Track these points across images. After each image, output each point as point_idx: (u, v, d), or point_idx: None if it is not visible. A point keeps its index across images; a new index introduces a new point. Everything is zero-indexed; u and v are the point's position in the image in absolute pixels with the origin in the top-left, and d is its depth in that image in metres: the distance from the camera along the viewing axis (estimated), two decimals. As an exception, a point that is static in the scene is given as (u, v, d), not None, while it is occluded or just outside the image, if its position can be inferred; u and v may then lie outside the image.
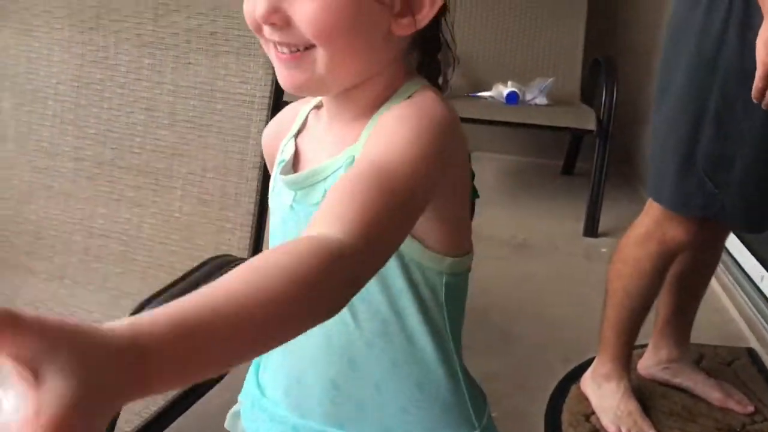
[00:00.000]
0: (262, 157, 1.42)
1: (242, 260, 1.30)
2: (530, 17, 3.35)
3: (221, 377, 1.37)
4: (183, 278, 1.20)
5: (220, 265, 1.27)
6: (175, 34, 1.44)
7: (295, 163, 0.79)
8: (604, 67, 3.04)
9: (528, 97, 3.10)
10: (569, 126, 3.09)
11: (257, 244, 1.43)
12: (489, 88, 3.13)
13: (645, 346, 1.95)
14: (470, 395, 0.80)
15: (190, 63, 1.44)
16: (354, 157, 0.71)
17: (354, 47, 0.69)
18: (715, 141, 1.52)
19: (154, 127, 1.48)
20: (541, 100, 3.09)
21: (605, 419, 1.79)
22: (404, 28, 0.70)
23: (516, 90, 3.08)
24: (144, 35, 1.46)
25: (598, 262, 1.85)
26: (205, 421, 1.78)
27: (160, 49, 1.45)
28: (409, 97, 0.72)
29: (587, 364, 1.90)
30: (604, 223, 2.88)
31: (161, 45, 1.45)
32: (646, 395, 1.88)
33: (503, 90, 3.10)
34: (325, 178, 0.74)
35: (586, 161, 3.15)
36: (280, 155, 0.82)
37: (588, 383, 1.86)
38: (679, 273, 1.80)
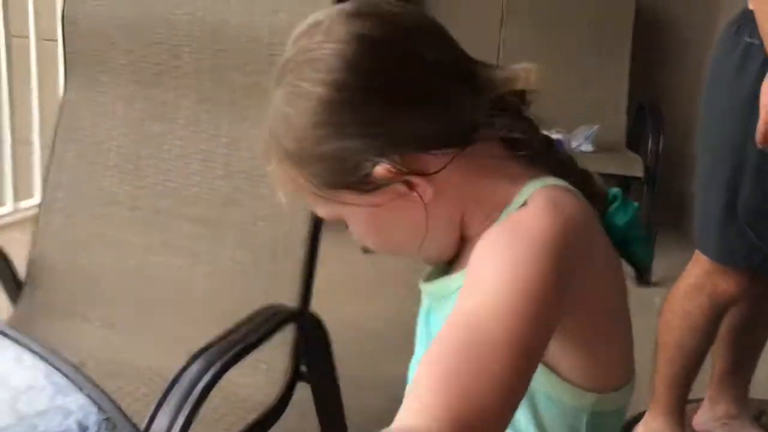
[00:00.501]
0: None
1: (292, 311, 1.32)
2: (574, 65, 3.35)
3: (272, 426, 1.38)
4: (233, 330, 1.22)
5: (270, 316, 1.28)
6: (232, 91, 1.49)
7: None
8: (648, 112, 3.03)
9: (573, 144, 3.09)
10: (616, 173, 3.06)
11: (306, 293, 1.45)
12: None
13: (700, 400, 1.89)
14: None
15: (245, 118, 1.48)
16: None
17: (404, 242, 0.73)
18: (755, 191, 1.50)
19: (210, 177, 1.51)
20: (587, 147, 3.08)
21: None
22: (425, 191, 0.68)
23: (561, 137, 3.08)
24: (203, 91, 1.51)
25: (650, 313, 1.83)
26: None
27: (217, 105, 1.50)
28: (523, 205, 0.67)
29: (639, 417, 1.86)
30: (656, 272, 2.83)
31: (219, 101, 1.50)
32: (701, 451, 1.82)
33: (549, 138, 3.09)
34: (454, 291, 0.70)
35: (635, 209, 3.11)
36: None
37: None
38: (734, 326, 1.75)
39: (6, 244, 1.62)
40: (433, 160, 0.67)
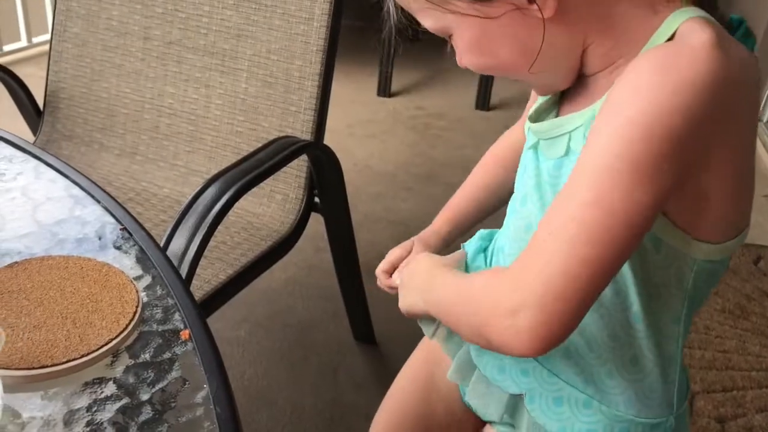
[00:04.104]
0: (325, 40, 1.43)
1: (305, 142, 1.34)
2: None
3: (286, 254, 1.44)
4: (247, 158, 1.24)
5: (283, 146, 1.30)
6: None
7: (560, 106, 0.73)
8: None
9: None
10: None
11: (320, 127, 1.46)
12: None
13: None
14: (679, 380, 0.75)
15: (256, -59, 1.43)
16: (594, 115, 0.63)
17: (511, 61, 0.66)
18: None
19: (220, 7, 1.49)
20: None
21: None
22: (549, 8, 0.61)
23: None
24: None
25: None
26: (267, 294, 1.88)
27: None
28: (670, 39, 0.59)
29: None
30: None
31: None
32: None
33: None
34: (567, 132, 0.68)
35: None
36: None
37: None
38: None
39: (24, 79, 1.62)
40: None
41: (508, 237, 0.80)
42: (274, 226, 1.45)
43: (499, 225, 0.85)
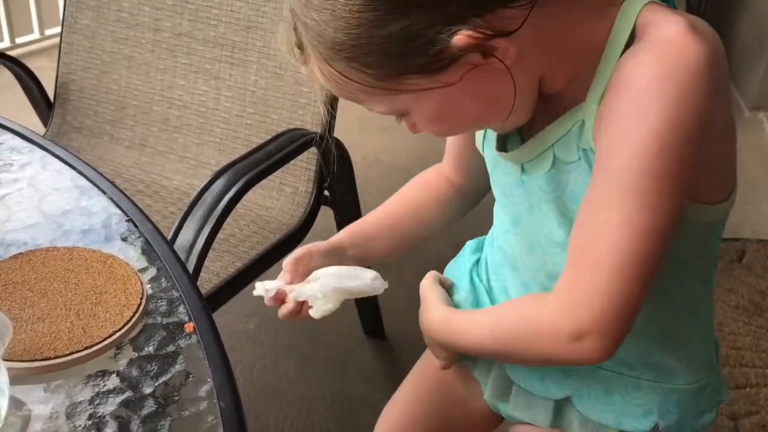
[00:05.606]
0: (336, 31, 1.42)
1: (315, 134, 1.33)
2: None
3: (295, 247, 1.43)
4: (256, 150, 1.24)
5: (293, 138, 1.29)
6: None
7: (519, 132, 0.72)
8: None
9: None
10: None
11: (329, 120, 1.44)
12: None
13: None
14: (714, 338, 0.78)
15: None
16: (584, 121, 0.63)
17: (477, 117, 0.66)
18: None
19: (230, -2, 1.48)
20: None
21: None
22: (507, 54, 0.59)
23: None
24: None
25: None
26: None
27: None
28: (632, 34, 0.60)
29: None
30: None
31: None
32: None
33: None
34: (550, 146, 0.67)
35: None
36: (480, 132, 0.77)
37: None
38: None
39: (35, 72, 1.62)
40: (513, 15, 0.57)
41: (507, 259, 0.79)
42: (283, 219, 1.44)
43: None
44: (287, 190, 1.47)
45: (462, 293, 0.84)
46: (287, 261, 0.80)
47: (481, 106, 0.64)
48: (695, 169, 0.60)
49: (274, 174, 1.30)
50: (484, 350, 0.73)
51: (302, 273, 0.79)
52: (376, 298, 1.66)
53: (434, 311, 0.78)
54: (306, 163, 1.45)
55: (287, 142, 1.27)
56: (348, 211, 1.52)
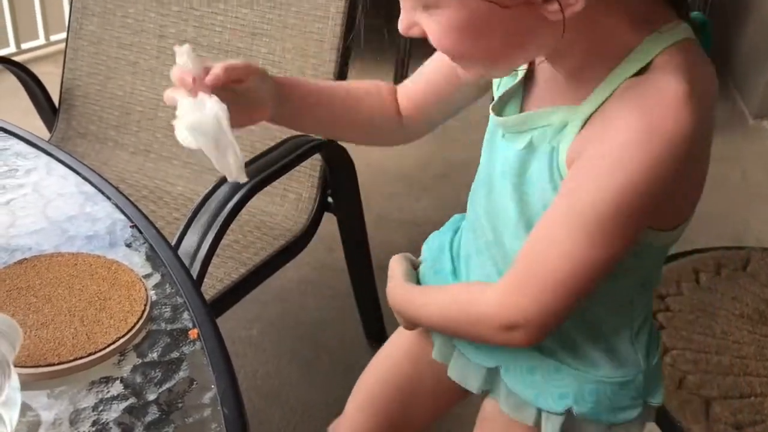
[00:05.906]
0: (340, 38, 1.42)
1: (319, 141, 1.33)
2: None
3: (298, 253, 1.43)
4: (260, 156, 1.24)
5: (297, 145, 1.29)
6: None
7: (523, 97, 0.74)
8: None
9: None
10: None
11: (334, 127, 1.45)
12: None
13: None
14: (647, 341, 0.79)
15: (271, -61, 1.42)
16: (568, 123, 0.66)
17: (494, 51, 0.64)
18: None
19: (236, 5, 1.48)
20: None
21: None
22: (554, 14, 0.60)
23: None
24: None
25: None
26: (280, 293, 1.87)
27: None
28: (646, 67, 0.62)
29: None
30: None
31: None
32: None
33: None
34: (530, 130, 0.70)
35: None
36: (497, 83, 0.78)
37: None
38: None
39: (40, 77, 1.63)
40: None
41: (473, 231, 0.82)
42: (287, 225, 1.44)
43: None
44: (291, 196, 1.47)
45: (428, 262, 0.89)
46: (224, 66, 0.73)
47: (505, 43, 0.63)
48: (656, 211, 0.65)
49: (278, 180, 1.30)
50: (432, 326, 0.85)
51: (224, 81, 0.72)
52: (379, 304, 1.66)
53: (398, 285, 0.85)
54: (310, 169, 1.45)
55: (291, 149, 1.28)
56: (351, 217, 1.52)
